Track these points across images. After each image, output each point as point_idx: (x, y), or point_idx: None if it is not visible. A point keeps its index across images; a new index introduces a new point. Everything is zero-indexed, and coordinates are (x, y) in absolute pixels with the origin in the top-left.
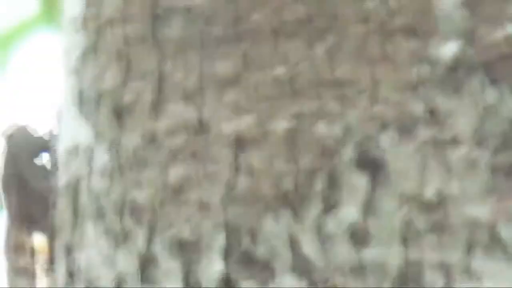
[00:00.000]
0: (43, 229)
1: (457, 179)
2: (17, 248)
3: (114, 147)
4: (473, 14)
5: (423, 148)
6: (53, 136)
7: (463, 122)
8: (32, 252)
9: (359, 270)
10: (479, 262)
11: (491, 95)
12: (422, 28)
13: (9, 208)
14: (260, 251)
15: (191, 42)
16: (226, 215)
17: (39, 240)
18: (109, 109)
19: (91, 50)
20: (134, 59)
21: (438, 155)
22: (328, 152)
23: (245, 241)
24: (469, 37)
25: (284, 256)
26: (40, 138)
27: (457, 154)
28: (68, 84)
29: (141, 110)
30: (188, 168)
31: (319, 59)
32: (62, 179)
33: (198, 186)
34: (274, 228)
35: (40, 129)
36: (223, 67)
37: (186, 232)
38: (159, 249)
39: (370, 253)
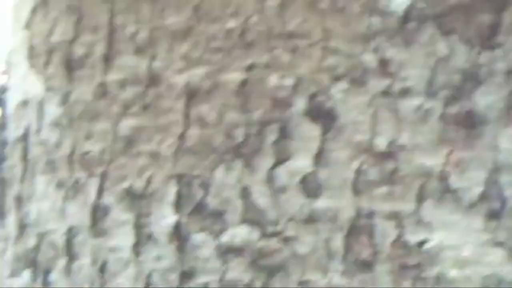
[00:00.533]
0: None
1: (408, 130)
2: None
3: (65, 100)
4: None
5: (375, 100)
6: (3, 90)
7: (415, 74)
8: None
9: (311, 220)
10: (430, 212)
11: (442, 46)
12: None
13: None
14: (212, 202)
15: None
16: (178, 166)
17: None
18: (60, 63)
19: (42, 4)
20: (86, 13)
21: (390, 106)
22: (280, 103)
23: (197, 192)
24: None
25: (236, 207)
26: None
27: (408, 105)
28: (18, 38)
29: (92, 63)
30: (140, 120)
31: (270, 11)
32: (12, 132)
33: (150, 138)
34: (226, 180)
35: None
36: (175, 20)
37: (138, 184)
38: (111, 201)
39: (322, 204)
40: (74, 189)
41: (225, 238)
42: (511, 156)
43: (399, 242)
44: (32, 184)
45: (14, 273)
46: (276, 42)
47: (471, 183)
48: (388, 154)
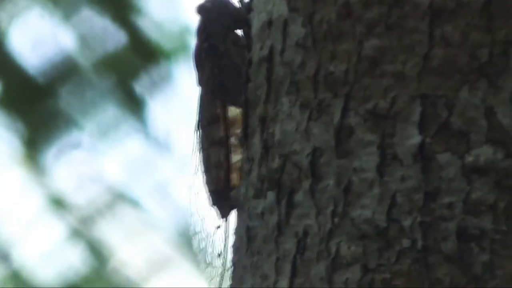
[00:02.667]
0: (237, 102)
1: None
2: (211, 120)
3: (309, 20)
4: None
5: None
6: (248, 9)
7: None
8: (226, 124)
9: None
10: None
11: None
12: None
13: (203, 80)
14: (457, 122)
15: None
16: (423, 86)
17: (233, 112)
18: None
19: None
20: None
21: None
22: None
23: (442, 112)
24: None
25: (481, 127)
26: (236, 11)
27: None
28: None
29: None
30: (384, 41)
31: None
32: (257, 52)
33: (394, 58)
34: (470, 99)
35: (235, 2)
36: None
37: (382, 104)
38: (356, 121)
39: None
40: (319, 110)
41: (469, 158)
42: None
43: None
44: (277, 105)
45: (258, 194)
46: None
47: None
48: None
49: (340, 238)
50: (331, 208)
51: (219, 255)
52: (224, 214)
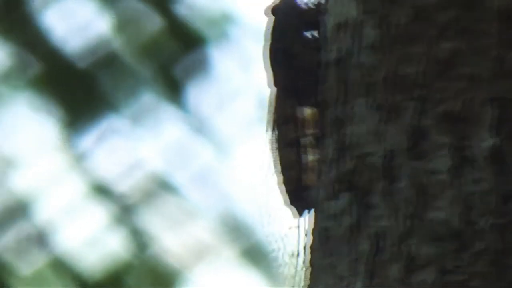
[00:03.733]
0: (311, 103)
1: None
2: (285, 120)
3: (384, 22)
4: None
5: None
6: (321, 10)
7: None
8: (301, 124)
9: None
10: None
11: None
12: None
13: (277, 81)
14: None
15: None
16: (497, 89)
17: (307, 113)
18: None
19: None
20: None
21: None
22: None
23: None
24: None
25: None
26: (309, 11)
27: None
28: None
29: None
30: (458, 43)
31: None
32: (330, 54)
33: (468, 60)
34: None
35: (308, 3)
36: None
37: (456, 106)
38: (430, 123)
39: None
40: (392, 112)
41: None
42: None
43: None
44: (351, 107)
45: (332, 196)
46: None
47: None
48: None
49: (415, 240)
50: (405, 210)
51: (293, 255)
52: (299, 215)
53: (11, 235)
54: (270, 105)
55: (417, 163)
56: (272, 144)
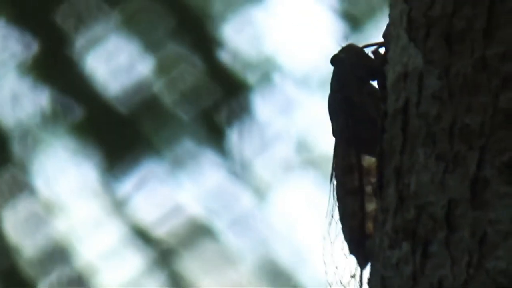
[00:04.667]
0: (371, 152)
1: None
2: (346, 169)
3: (445, 73)
4: None
5: None
6: (382, 61)
7: None
8: (361, 173)
9: None
10: None
11: None
12: None
13: (338, 130)
14: None
15: None
16: None
17: (367, 162)
18: (440, 36)
19: None
20: None
21: None
22: None
23: None
24: None
25: None
26: (370, 62)
27: None
28: (397, 10)
29: (472, 36)
30: None
31: None
32: (391, 103)
33: None
34: None
35: (369, 53)
36: None
37: None
38: (491, 173)
39: None
40: (454, 162)
41: None
42: None
43: None
44: (412, 156)
45: (393, 245)
46: None
47: None
48: None
49: None
50: (466, 259)
51: None
52: (362, 265)
53: (53, 279)
54: (333, 154)
55: (478, 212)
56: (334, 193)
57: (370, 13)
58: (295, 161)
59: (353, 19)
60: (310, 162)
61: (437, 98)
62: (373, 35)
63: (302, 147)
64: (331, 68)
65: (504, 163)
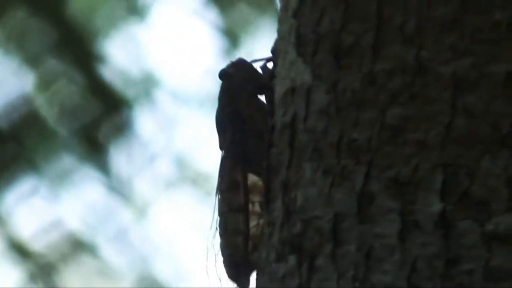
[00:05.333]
0: (258, 169)
1: None
2: (231, 186)
3: (333, 88)
4: None
5: None
6: (270, 76)
7: None
8: (246, 190)
9: None
10: None
11: None
12: None
13: (224, 145)
14: (478, 191)
15: None
16: (445, 155)
17: (253, 179)
18: (328, 51)
19: None
20: (353, 3)
21: None
22: None
23: (463, 181)
24: None
25: (502, 196)
26: (258, 77)
27: None
28: (285, 26)
29: (360, 52)
30: (407, 109)
31: None
32: (279, 118)
33: (416, 127)
34: (492, 169)
35: (257, 68)
36: (443, 11)
37: (404, 172)
38: (377, 188)
39: None
40: (341, 176)
41: (489, 226)
42: None
43: None
44: (299, 171)
45: (280, 258)
46: None
47: None
48: None
49: None
50: (352, 272)
51: None
52: (241, 282)
53: None
54: (219, 169)
55: (365, 227)
56: (217, 207)
57: (249, 29)
58: (175, 178)
59: (232, 35)
60: (189, 179)
61: (325, 113)
62: (252, 50)
63: (182, 164)
64: (214, 84)
65: (390, 179)
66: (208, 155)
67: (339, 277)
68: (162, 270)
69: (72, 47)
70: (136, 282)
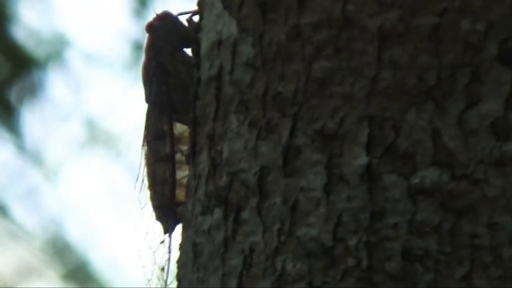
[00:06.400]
0: (184, 119)
1: None
2: (157, 136)
3: (259, 41)
4: None
5: None
6: (196, 29)
7: None
8: (172, 140)
9: (500, 163)
10: None
11: None
12: None
13: (150, 97)
14: (403, 144)
15: None
16: (370, 108)
17: (179, 129)
18: (254, 4)
19: None
20: None
21: None
22: (471, 48)
23: (389, 134)
24: None
25: (427, 149)
26: (184, 29)
27: None
28: None
29: (286, 5)
30: (333, 62)
31: None
32: (205, 70)
33: (342, 80)
34: (417, 122)
35: (183, 21)
36: None
37: (330, 125)
38: (303, 141)
39: None
40: (267, 129)
41: (415, 179)
42: None
43: None
44: (225, 123)
45: (205, 211)
46: None
47: None
48: None
49: (286, 256)
50: (277, 226)
51: (162, 269)
52: (168, 230)
53: None
54: (144, 121)
55: (291, 180)
56: (145, 159)
57: None
58: (86, 139)
59: None
60: (100, 140)
61: (251, 65)
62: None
63: (93, 125)
64: (125, 45)
65: (317, 131)
66: (119, 116)
67: (264, 230)
68: (72, 232)
69: None
70: (47, 243)
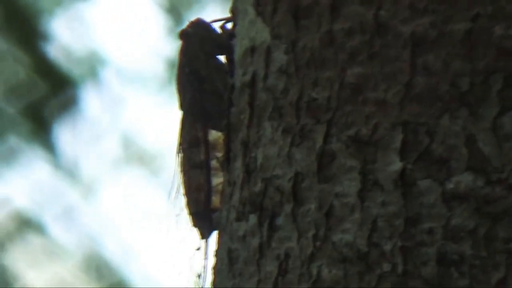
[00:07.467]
0: (218, 126)
1: None
2: (192, 143)
3: (292, 47)
4: None
5: None
6: (230, 35)
7: None
8: (207, 147)
9: None
10: None
11: None
12: None
13: (184, 105)
14: (438, 149)
15: None
16: (404, 114)
17: (214, 135)
18: (287, 10)
19: None
20: None
21: None
22: (504, 53)
23: (423, 139)
24: None
25: (462, 155)
26: (218, 36)
27: None
28: None
29: (319, 11)
30: (366, 68)
31: None
32: (238, 77)
33: (376, 86)
34: (451, 127)
35: (217, 28)
36: None
37: (364, 131)
38: (338, 147)
39: None
40: (301, 136)
41: (450, 185)
42: None
43: None
44: (259, 130)
45: (240, 217)
46: None
47: None
48: None
49: (321, 262)
50: (312, 231)
51: (198, 276)
52: (204, 236)
53: None
54: (179, 128)
55: (325, 186)
56: (180, 166)
57: (192, 7)
58: (121, 157)
59: (176, 12)
60: (135, 157)
61: (284, 72)
62: None
63: (128, 143)
64: (159, 63)
65: (350, 137)
66: (154, 134)
67: (299, 236)
68: (109, 249)
69: (18, 26)
70: (84, 260)
